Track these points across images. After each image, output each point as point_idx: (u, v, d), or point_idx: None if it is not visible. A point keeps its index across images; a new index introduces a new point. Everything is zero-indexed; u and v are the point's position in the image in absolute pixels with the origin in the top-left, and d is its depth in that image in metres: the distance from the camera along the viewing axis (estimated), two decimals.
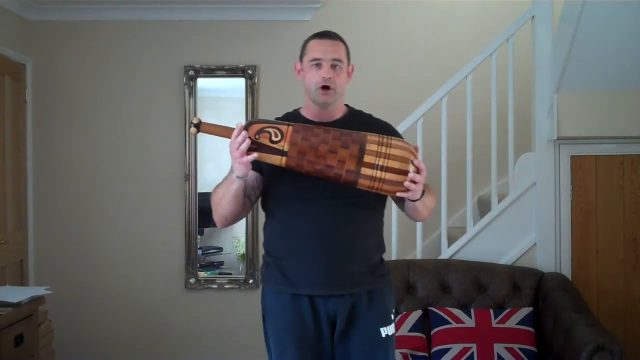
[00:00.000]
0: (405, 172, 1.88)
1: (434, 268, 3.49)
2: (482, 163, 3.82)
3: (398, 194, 1.91)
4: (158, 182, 4.37)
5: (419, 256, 3.72)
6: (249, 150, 1.90)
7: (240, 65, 4.37)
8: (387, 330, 2.10)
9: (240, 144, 1.89)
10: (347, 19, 4.34)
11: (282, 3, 4.33)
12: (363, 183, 1.90)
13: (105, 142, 4.37)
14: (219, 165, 4.81)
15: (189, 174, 4.35)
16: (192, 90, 4.36)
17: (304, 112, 2.15)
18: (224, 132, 1.97)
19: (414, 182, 1.89)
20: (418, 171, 1.90)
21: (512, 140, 3.69)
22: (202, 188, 4.47)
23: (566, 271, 3.61)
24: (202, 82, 4.41)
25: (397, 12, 4.47)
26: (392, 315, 2.15)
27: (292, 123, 1.96)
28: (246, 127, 1.91)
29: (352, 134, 1.93)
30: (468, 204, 3.69)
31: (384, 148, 1.89)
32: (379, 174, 1.88)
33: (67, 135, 4.36)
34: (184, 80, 4.35)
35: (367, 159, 1.88)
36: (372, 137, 1.93)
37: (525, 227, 3.65)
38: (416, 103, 3.78)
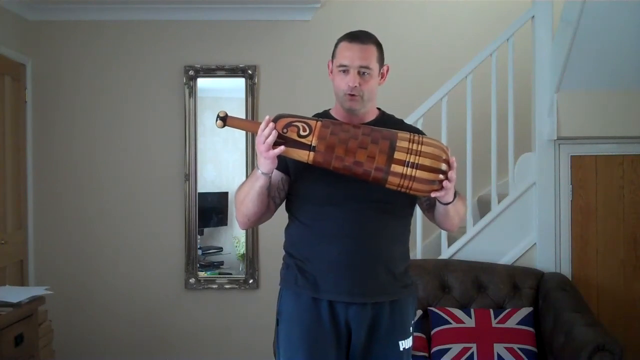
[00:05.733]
0: (436, 171, 1.81)
1: (434, 268, 3.49)
2: (482, 163, 3.82)
3: (433, 194, 1.85)
4: (158, 182, 4.37)
5: (419, 256, 3.72)
6: (276, 145, 1.83)
7: (240, 65, 4.37)
8: (405, 344, 2.02)
9: (267, 137, 1.82)
10: (347, 19, 4.32)
11: (282, 3, 4.32)
12: (392, 181, 1.82)
13: (105, 142, 4.37)
14: (219, 165, 4.82)
15: (189, 174, 4.34)
16: (192, 90, 4.36)
17: (334, 113, 2.09)
18: (251, 126, 1.92)
19: (447, 180, 1.82)
20: (450, 168, 1.83)
21: (512, 140, 3.69)
22: (202, 188, 4.48)
23: (566, 271, 3.61)
24: (202, 82, 4.40)
25: (397, 12, 4.48)
26: (411, 328, 2.07)
27: (321, 119, 1.90)
28: (274, 120, 1.85)
29: (382, 130, 1.87)
30: (468, 204, 3.68)
31: (415, 145, 1.82)
32: (409, 171, 1.80)
33: (67, 135, 4.36)
34: (184, 80, 4.35)
35: (398, 155, 1.81)
36: (402, 134, 1.86)
37: (525, 227, 3.65)
38: (416, 103, 3.79)
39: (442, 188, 1.83)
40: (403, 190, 1.84)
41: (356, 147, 1.83)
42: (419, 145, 1.83)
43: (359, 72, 1.97)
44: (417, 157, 1.81)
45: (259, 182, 1.91)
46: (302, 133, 1.84)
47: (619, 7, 3.04)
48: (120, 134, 4.37)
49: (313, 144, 1.84)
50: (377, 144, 1.83)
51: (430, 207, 2.05)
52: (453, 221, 2.02)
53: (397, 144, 1.83)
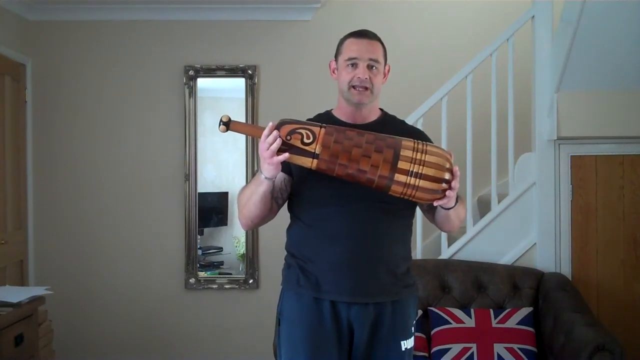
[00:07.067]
0: (440, 180, 1.81)
1: (434, 268, 3.49)
2: (482, 163, 3.82)
3: (435, 203, 1.85)
4: (158, 182, 4.37)
5: (419, 256, 3.72)
6: (279, 151, 1.83)
7: (240, 65, 4.37)
8: (407, 344, 2.03)
9: (271, 144, 1.81)
10: (347, 19, 4.32)
11: (282, 3, 4.33)
12: (396, 189, 1.83)
13: (105, 142, 4.37)
14: (219, 165, 4.82)
15: (189, 174, 4.34)
16: (192, 90, 4.36)
17: (337, 113, 2.09)
18: (254, 131, 1.92)
19: (450, 189, 1.83)
20: (453, 177, 1.84)
21: (512, 140, 3.69)
22: (202, 188, 4.48)
23: (566, 271, 3.61)
24: (202, 82, 4.40)
25: (397, 12, 4.48)
26: (413, 328, 2.08)
27: (324, 125, 1.88)
28: (277, 127, 1.84)
29: (386, 138, 1.86)
30: (468, 204, 3.68)
31: (419, 154, 1.82)
32: (413, 180, 1.81)
33: (67, 135, 4.36)
34: (184, 80, 4.35)
35: (402, 165, 1.81)
36: (407, 142, 1.85)
37: (525, 227, 3.65)
38: (416, 103, 3.79)
39: (444, 196, 1.84)
40: (406, 197, 1.85)
41: (360, 156, 1.83)
42: (423, 155, 1.83)
43: (368, 66, 1.99)
44: (421, 167, 1.81)
45: (262, 186, 1.92)
46: (305, 140, 1.84)
47: (619, 7, 3.04)
48: (120, 134, 4.37)
49: (316, 152, 1.84)
50: (381, 152, 1.83)
51: (430, 209, 2.06)
52: (453, 224, 2.03)
53: (401, 153, 1.83)
